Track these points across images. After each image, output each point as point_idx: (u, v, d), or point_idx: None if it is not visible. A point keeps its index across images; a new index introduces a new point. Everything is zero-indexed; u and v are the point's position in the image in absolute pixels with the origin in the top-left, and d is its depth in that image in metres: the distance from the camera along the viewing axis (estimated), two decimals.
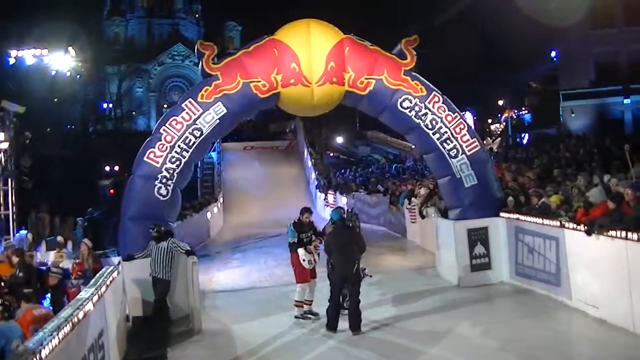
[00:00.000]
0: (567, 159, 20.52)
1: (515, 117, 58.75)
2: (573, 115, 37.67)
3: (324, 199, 31.06)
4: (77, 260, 11.55)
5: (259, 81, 12.80)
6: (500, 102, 60.29)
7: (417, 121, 13.42)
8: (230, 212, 31.26)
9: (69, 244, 14.21)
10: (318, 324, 10.95)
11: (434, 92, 13.46)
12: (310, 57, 12.85)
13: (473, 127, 14.57)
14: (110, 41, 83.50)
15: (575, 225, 10.58)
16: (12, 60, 21.43)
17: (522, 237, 12.60)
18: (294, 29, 13.11)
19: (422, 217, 18.18)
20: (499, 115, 63.32)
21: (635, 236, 8.98)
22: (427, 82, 13.53)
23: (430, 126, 13.39)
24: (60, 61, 24.07)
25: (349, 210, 12.29)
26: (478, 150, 13.57)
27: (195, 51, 13.15)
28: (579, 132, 32.20)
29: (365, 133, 64.36)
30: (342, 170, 38.96)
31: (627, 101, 37.04)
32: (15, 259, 10.90)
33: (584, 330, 9.89)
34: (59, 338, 6.01)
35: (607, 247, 9.66)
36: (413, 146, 28.36)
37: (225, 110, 12.69)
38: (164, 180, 12.47)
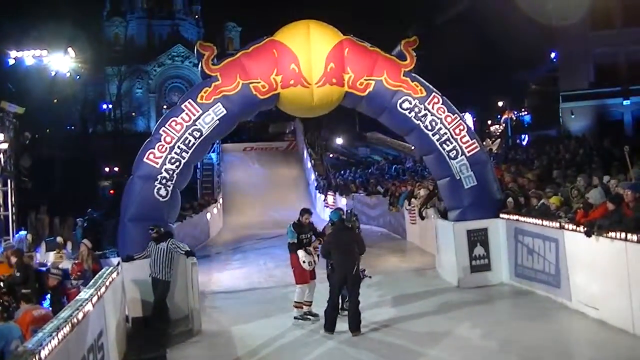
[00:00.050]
0: (567, 160, 20.53)
1: (514, 118, 58.75)
2: (573, 116, 37.68)
3: (324, 200, 31.05)
4: (77, 261, 11.55)
5: (259, 82, 12.80)
6: (500, 103, 60.27)
7: (417, 122, 13.42)
8: (230, 213, 31.26)
9: (69, 245, 14.21)
10: (317, 325, 10.94)
11: (434, 93, 13.46)
12: (309, 58, 12.85)
13: (473, 128, 14.59)
14: (110, 42, 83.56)
15: (574, 227, 10.56)
16: (11, 61, 21.42)
17: (521, 239, 12.59)
18: (294, 30, 13.11)
19: (422, 218, 18.17)
20: (499, 116, 63.30)
21: (634, 237, 8.98)
22: (427, 83, 13.53)
23: (429, 127, 13.39)
24: (60, 62, 24.05)
25: (349, 211, 12.28)
26: (478, 152, 13.57)
27: (195, 52, 13.15)
28: (579, 133, 32.21)
29: (364, 134, 64.30)
30: (342, 172, 38.95)
31: (626, 102, 37.05)
32: (13, 260, 10.89)
33: (584, 332, 9.89)
34: (58, 339, 6.01)
35: (607, 249, 9.65)
36: (413, 147, 28.34)
37: (224, 111, 12.69)
38: (164, 181, 12.47)
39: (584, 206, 11.03)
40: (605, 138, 23.57)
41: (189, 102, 12.64)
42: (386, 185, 25.95)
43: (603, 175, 13.74)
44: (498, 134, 58.29)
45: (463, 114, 15.65)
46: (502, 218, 13.26)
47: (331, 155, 51.60)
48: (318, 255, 11.33)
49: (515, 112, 59.32)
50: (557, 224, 11.15)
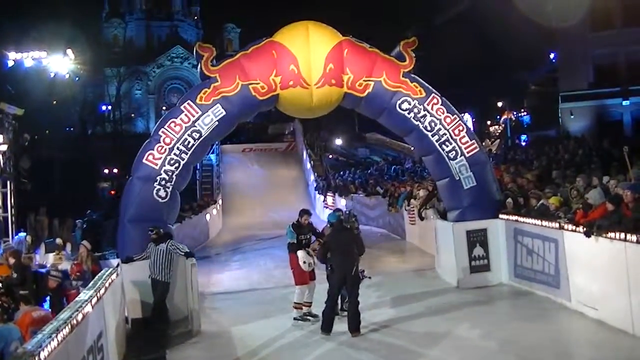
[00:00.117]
0: (566, 161, 20.54)
1: (514, 118, 58.81)
2: (572, 116, 37.66)
3: (323, 201, 31.06)
4: (76, 261, 11.55)
5: (258, 83, 12.81)
6: (500, 104, 60.33)
7: (416, 123, 13.42)
8: (230, 214, 31.27)
9: (68, 246, 14.18)
10: (317, 325, 10.91)
11: (433, 94, 13.47)
12: (309, 59, 12.86)
13: (472, 129, 14.58)
14: (109, 43, 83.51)
15: (574, 227, 10.57)
16: (10, 63, 21.39)
17: (521, 239, 12.59)
18: (293, 31, 13.11)
19: (421, 218, 18.18)
20: (498, 116, 63.38)
21: (634, 238, 8.98)
22: (426, 84, 13.54)
23: (429, 128, 13.40)
24: (59, 63, 24.02)
25: (347, 212, 12.27)
26: (477, 152, 13.57)
27: (194, 53, 13.17)
28: (578, 133, 32.21)
29: (364, 135, 64.31)
30: (341, 172, 38.95)
31: (626, 103, 37.02)
32: (11, 260, 10.89)
33: (583, 332, 9.89)
34: (57, 340, 6.01)
35: (606, 249, 9.65)
36: (412, 148, 28.35)
37: (224, 112, 12.70)
38: (163, 182, 12.48)
39: (584, 206, 11.03)
40: (605, 138, 23.58)
41: (188, 103, 12.65)
42: (385, 186, 25.96)
43: (602, 176, 13.75)
44: (497, 134, 58.39)
45: (462, 114, 15.69)
46: (502, 218, 13.26)
47: (330, 156, 51.58)
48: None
49: (515, 113, 59.38)
50: (557, 225, 11.15)
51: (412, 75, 13.49)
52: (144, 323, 11.72)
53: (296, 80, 12.86)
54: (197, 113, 12.59)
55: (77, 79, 42.57)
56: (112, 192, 45.41)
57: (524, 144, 44.48)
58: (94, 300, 7.90)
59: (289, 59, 12.84)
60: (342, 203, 27.57)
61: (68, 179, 45.29)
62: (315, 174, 35.48)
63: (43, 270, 11.15)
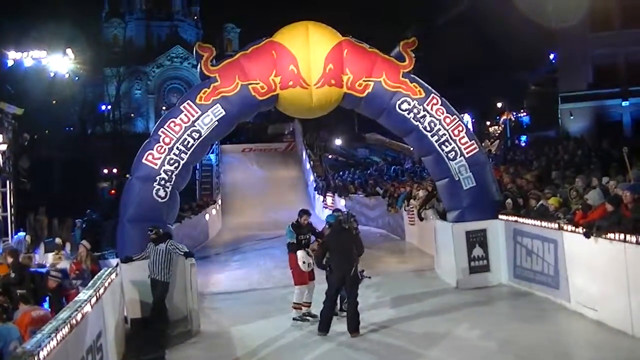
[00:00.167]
0: (566, 161, 20.55)
1: (513, 119, 58.85)
2: (572, 117, 37.68)
3: (323, 201, 31.06)
4: (75, 260, 11.55)
5: (258, 83, 12.81)
6: (499, 105, 60.34)
7: (416, 123, 13.43)
8: (229, 214, 31.26)
9: (67, 246, 14.19)
10: (316, 326, 10.90)
11: (433, 95, 13.47)
12: (308, 59, 12.86)
13: (471, 130, 14.58)
14: (109, 43, 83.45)
15: (573, 228, 10.56)
16: (10, 62, 21.37)
17: (520, 240, 12.59)
18: (293, 31, 13.11)
19: (421, 219, 18.18)
20: (498, 117, 63.41)
21: (633, 239, 8.97)
22: (426, 85, 13.55)
23: (428, 128, 13.40)
24: (59, 63, 23.98)
25: (346, 212, 12.25)
26: (476, 153, 13.57)
27: (194, 53, 13.18)
28: (578, 134, 32.22)
29: (363, 135, 64.34)
30: (341, 172, 38.96)
31: (625, 103, 37.03)
32: (9, 260, 10.88)
33: (583, 333, 9.89)
34: (57, 340, 6.01)
35: (606, 250, 9.65)
36: (411, 148, 28.36)
37: (223, 112, 12.70)
38: (163, 182, 12.48)
39: (583, 207, 11.03)
40: (604, 139, 23.57)
41: (187, 103, 12.65)
42: (385, 186, 25.97)
43: (602, 177, 13.75)
44: (497, 135, 58.42)
45: (462, 115, 15.69)
46: (501, 219, 13.26)
47: (330, 156, 51.62)
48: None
49: (514, 113, 59.43)
50: (556, 225, 11.15)
51: (412, 76, 13.50)
52: (143, 323, 11.71)
53: (296, 81, 12.86)
54: (197, 113, 12.59)
55: (76, 78, 42.55)
56: (113, 191, 45.43)
57: (523, 144, 44.49)
58: (93, 300, 7.90)
59: (289, 59, 12.84)
60: (341, 203, 27.57)
61: (67, 178, 45.24)
62: (315, 174, 35.49)
63: (42, 270, 11.15)
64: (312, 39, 12.95)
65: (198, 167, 32.53)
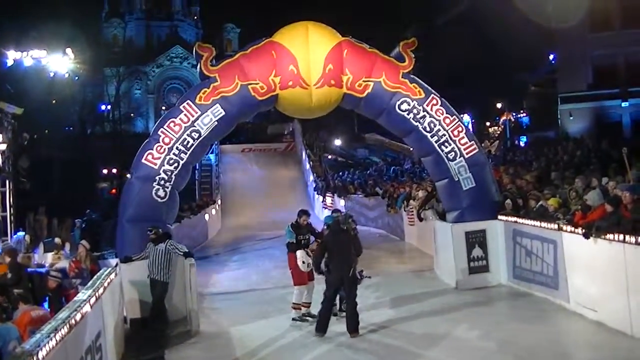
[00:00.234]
0: (565, 162, 20.56)
1: (513, 119, 58.86)
2: (571, 118, 37.72)
3: (322, 202, 31.06)
4: (74, 259, 11.54)
5: (257, 83, 12.81)
6: (499, 105, 60.35)
7: (415, 124, 13.42)
8: (228, 214, 31.26)
9: (67, 246, 14.19)
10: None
11: (432, 95, 13.47)
12: (308, 60, 12.86)
13: (471, 130, 14.57)
14: (109, 43, 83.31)
15: (573, 228, 10.57)
16: (10, 62, 21.37)
17: (520, 240, 12.60)
18: (292, 32, 13.11)
19: (420, 219, 18.18)
20: (497, 118, 63.43)
21: (633, 239, 8.98)
22: (425, 85, 13.55)
23: (428, 129, 13.40)
24: (59, 63, 23.97)
25: (344, 213, 12.21)
26: (476, 153, 13.57)
27: (194, 53, 13.18)
28: (577, 135, 32.24)
29: (363, 135, 64.35)
30: (340, 173, 38.96)
31: (625, 104, 37.06)
32: (7, 259, 10.88)
33: (582, 333, 9.89)
34: (56, 340, 6.00)
35: (605, 250, 9.65)
36: (411, 149, 28.35)
37: (223, 113, 12.70)
38: (162, 182, 12.48)
39: (582, 208, 11.04)
40: (604, 140, 23.59)
41: (187, 103, 12.64)
42: (384, 186, 25.98)
43: (601, 177, 13.75)
44: (496, 135, 58.40)
45: (461, 115, 15.68)
46: (501, 219, 13.26)
47: (329, 157, 51.62)
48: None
49: (514, 114, 59.45)
50: (556, 226, 11.15)
51: (412, 76, 13.49)
52: (143, 323, 11.71)
53: (295, 81, 12.86)
54: (197, 113, 12.58)
55: (76, 78, 42.56)
56: (113, 190, 45.44)
57: (523, 145, 44.51)
58: (93, 300, 7.90)
59: (289, 59, 12.84)
60: (341, 204, 27.59)
61: (67, 178, 45.21)
62: (314, 174, 35.47)
63: (42, 270, 11.15)
64: (311, 39, 12.95)
65: (198, 167, 32.51)
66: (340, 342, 10.14)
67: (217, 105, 12.65)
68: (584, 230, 10.06)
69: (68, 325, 6.47)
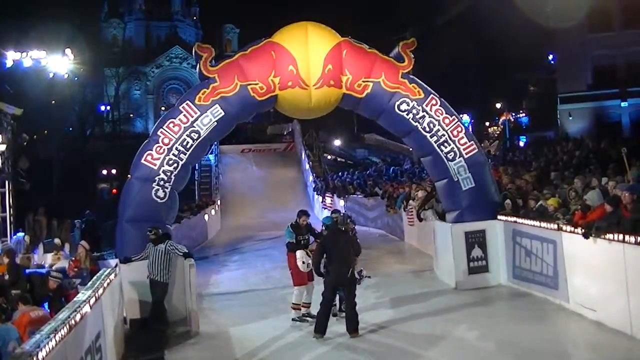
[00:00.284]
0: (565, 162, 20.56)
1: (512, 120, 58.92)
2: (571, 118, 37.77)
3: (322, 202, 31.07)
4: (74, 258, 11.54)
5: (257, 84, 12.80)
6: (498, 105, 60.43)
7: (415, 124, 13.42)
8: (228, 215, 31.28)
9: (66, 246, 14.20)
10: None
11: (432, 95, 13.46)
12: (307, 60, 12.85)
13: (471, 130, 14.57)
14: (108, 43, 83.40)
15: (572, 228, 10.57)
16: (9, 62, 21.36)
17: (519, 240, 12.59)
18: (292, 32, 13.11)
19: (420, 219, 18.18)
20: (497, 118, 63.51)
21: (632, 239, 8.98)
22: (425, 85, 13.54)
23: (427, 129, 13.39)
24: (58, 63, 23.95)
25: (342, 214, 12.21)
26: (475, 153, 13.57)
27: (193, 54, 13.18)
28: (577, 135, 32.25)
29: (362, 136, 64.46)
30: (340, 173, 38.98)
31: (624, 104, 37.13)
32: (5, 260, 10.88)
33: (582, 333, 9.89)
34: (56, 340, 6.00)
35: (605, 250, 9.65)
36: (410, 149, 28.37)
37: (222, 113, 12.69)
38: (162, 183, 12.47)
39: (582, 208, 11.04)
40: (603, 140, 23.60)
41: (186, 104, 12.64)
42: (384, 186, 25.97)
43: (601, 177, 13.76)
44: (496, 135, 58.50)
45: (461, 115, 15.68)
46: (500, 220, 13.26)
47: (329, 157, 51.67)
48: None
49: (513, 114, 59.54)
50: (555, 226, 11.14)
51: (411, 76, 13.49)
52: (143, 323, 11.70)
53: (295, 81, 12.85)
54: (196, 113, 12.58)
55: (76, 79, 42.59)
56: (114, 190, 45.45)
57: (522, 145, 44.55)
58: (92, 300, 7.89)
59: (288, 60, 12.83)
60: (340, 204, 27.61)
61: (67, 179, 45.28)
62: (314, 174, 35.50)
63: (42, 270, 11.15)
64: (311, 39, 12.94)
65: (197, 168, 32.57)
66: (340, 343, 10.13)
67: (217, 105, 12.65)
68: (583, 230, 10.06)
69: (68, 326, 6.47)
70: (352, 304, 10.35)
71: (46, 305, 9.57)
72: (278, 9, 64.15)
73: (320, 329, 10.39)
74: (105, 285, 8.99)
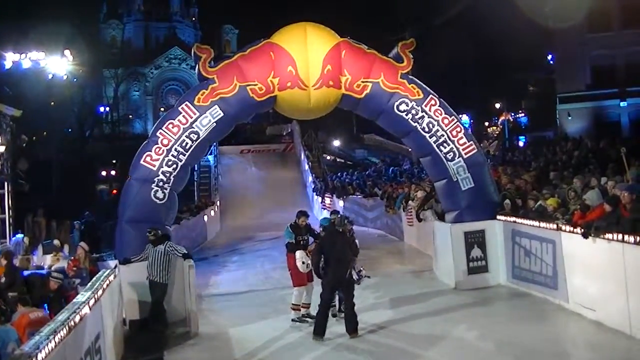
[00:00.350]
0: (564, 162, 20.56)
1: (512, 120, 58.95)
2: (570, 118, 37.79)
3: (321, 202, 31.06)
4: (73, 258, 11.53)
5: (256, 84, 12.80)
6: (497, 105, 60.48)
7: (414, 124, 13.42)
8: (227, 216, 31.27)
9: (66, 248, 14.17)
10: None
11: (431, 95, 13.47)
12: (306, 61, 12.85)
13: (470, 130, 14.57)
14: (107, 44, 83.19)
15: (572, 228, 10.58)
16: (8, 64, 21.37)
17: (519, 240, 12.59)
18: (291, 32, 13.11)
19: (419, 220, 18.17)
20: (496, 118, 63.56)
21: (632, 239, 8.99)
22: (424, 85, 13.54)
23: (426, 129, 13.40)
24: (57, 64, 23.99)
25: (340, 215, 12.18)
26: (475, 153, 13.57)
27: (192, 54, 13.18)
28: (576, 135, 32.26)
29: (362, 136, 64.47)
30: (339, 173, 38.98)
31: (623, 104, 37.16)
32: (3, 262, 10.86)
33: (581, 333, 9.89)
34: (55, 342, 6.00)
35: (604, 250, 9.66)
36: (410, 149, 28.36)
37: (221, 114, 12.70)
38: (161, 184, 12.47)
39: (581, 208, 11.04)
40: (602, 140, 23.61)
41: (185, 105, 12.64)
42: (383, 187, 25.97)
43: (600, 177, 13.76)
44: (495, 135, 58.52)
45: (460, 115, 15.68)
46: (500, 220, 13.26)
47: (328, 157, 51.68)
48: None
49: (513, 114, 59.58)
50: (554, 226, 11.15)
51: (410, 77, 13.49)
52: (142, 324, 11.70)
53: (294, 82, 12.85)
54: (195, 114, 12.58)
55: (74, 80, 42.63)
56: (114, 191, 45.45)
57: (521, 145, 44.57)
58: (92, 301, 7.89)
59: (287, 60, 12.83)
60: (340, 204, 27.61)
61: (66, 180, 45.24)
62: (313, 175, 35.49)
63: (42, 271, 11.13)
64: (310, 40, 12.94)
65: (196, 169, 32.56)
66: (339, 343, 10.13)
67: (216, 106, 12.65)
68: (582, 230, 10.07)
69: (67, 327, 6.47)
70: (351, 305, 10.35)
71: (46, 306, 9.57)
72: (277, 9, 64.26)
73: (320, 332, 10.37)
74: (104, 286, 8.99)
